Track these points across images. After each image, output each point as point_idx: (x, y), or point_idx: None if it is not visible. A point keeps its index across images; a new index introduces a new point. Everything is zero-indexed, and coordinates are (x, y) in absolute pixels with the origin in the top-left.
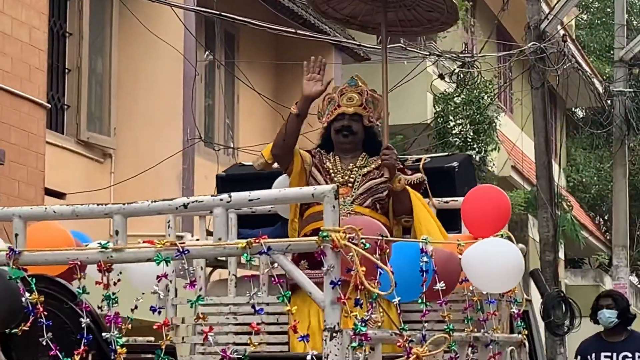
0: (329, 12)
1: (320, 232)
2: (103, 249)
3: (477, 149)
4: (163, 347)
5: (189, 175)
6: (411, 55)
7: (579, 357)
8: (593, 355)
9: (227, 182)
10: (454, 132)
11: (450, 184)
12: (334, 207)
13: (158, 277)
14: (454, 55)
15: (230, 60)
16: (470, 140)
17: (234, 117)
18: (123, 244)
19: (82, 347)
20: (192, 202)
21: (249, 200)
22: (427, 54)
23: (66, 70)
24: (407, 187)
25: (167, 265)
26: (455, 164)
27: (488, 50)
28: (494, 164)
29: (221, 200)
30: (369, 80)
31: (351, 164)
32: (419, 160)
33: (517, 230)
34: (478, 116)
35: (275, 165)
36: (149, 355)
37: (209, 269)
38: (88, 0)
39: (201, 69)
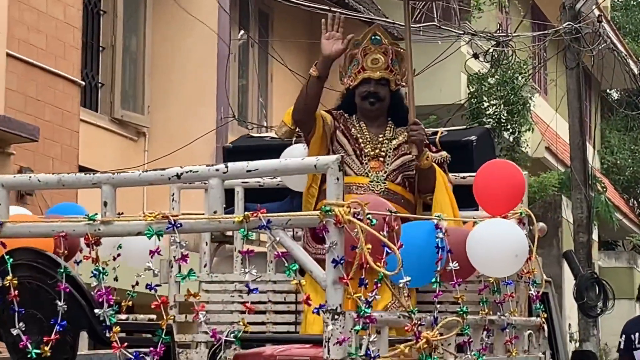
0: None
1: (323, 207)
2: (90, 221)
3: (510, 130)
4: (163, 326)
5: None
6: (445, 34)
7: (623, 336)
8: (637, 334)
9: (234, 154)
10: (487, 112)
11: (467, 159)
12: (337, 179)
13: (151, 252)
14: (488, 35)
15: (264, 39)
16: (504, 120)
17: (267, 96)
18: (112, 216)
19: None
20: (186, 172)
21: (247, 171)
22: (462, 33)
23: (100, 49)
24: (433, 164)
25: (159, 239)
26: (473, 137)
27: (522, 31)
28: (527, 145)
29: (217, 170)
30: None
31: (380, 135)
32: (435, 133)
33: (551, 212)
34: (512, 97)
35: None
36: (149, 335)
37: (215, 245)
38: None
39: (235, 48)
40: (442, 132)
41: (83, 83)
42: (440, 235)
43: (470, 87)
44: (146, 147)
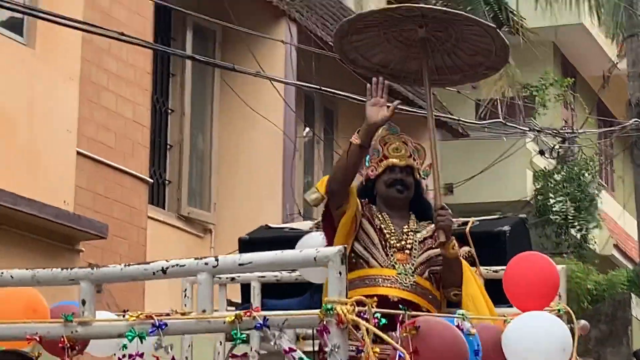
0: (358, 61)
1: (324, 305)
2: (67, 322)
3: (578, 227)
4: None
5: None
6: (510, 131)
7: None
8: None
9: (250, 246)
10: (554, 209)
11: (500, 251)
12: (340, 273)
13: (131, 356)
14: (554, 131)
15: (330, 135)
16: (571, 218)
17: None
18: (90, 316)
19: None
20: (172, 266)
21: (239, 264)
22: (527, 129)
23: (168, 146)
24: (460, 257)
25: (141, 342)
26: (506, 227)
27: (588, 127)
28: (595, 242)
29: (206, 264)
30: (468, 157)
31: (405, 227)
32: (465, 223)
33: (620, 310)
34: (579, 193)
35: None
36: None
37: (229, 344)
38: (190, 77)
39: (300, 145)
40: (473, 222)
41: (151, 180)
42: (469, 329)
43: (536, 184)
44: (212, 244)
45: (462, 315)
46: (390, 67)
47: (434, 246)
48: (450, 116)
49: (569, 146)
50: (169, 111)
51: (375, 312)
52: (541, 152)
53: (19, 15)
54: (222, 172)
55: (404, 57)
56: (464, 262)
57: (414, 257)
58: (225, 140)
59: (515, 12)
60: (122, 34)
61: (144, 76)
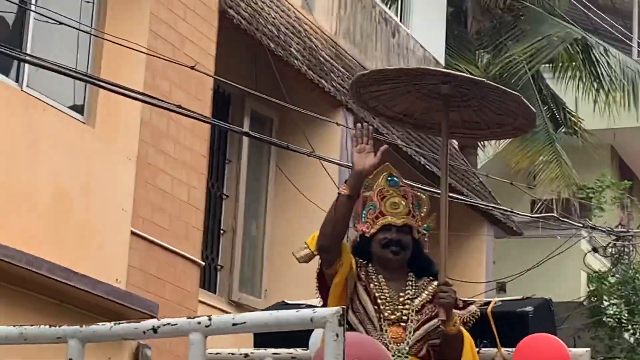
0: (380, 109)
1: None
2: None
3: (631, 331)
4: None
5: None
6: (565, 226)
7: None
8: None
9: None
10: (607, 312)
11: (523, 333)
12: (337, 335)
13: None
14: (609, 229)
15: None
16: (624, 321)
17: None
18: None
19: None
20: (164, 324)
21: (233, 324)
22: (581, 225)
23: (221, 231)
24: (461, 329)
25: None
26: (529, 308)
27: None
28: None
29: (199, 323)
30: (522, 255)
31: (401, 294)
32: (487, 303)
33: None
34: (633, 297)
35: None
36: None
37: None
38: (245, 164)
39: (354, 234)
40: (495, 302)
41: (203, 264)
42: None
43: (590, 286)
44: None
45: None
46: (415, 117)
47: (433, 315)
48: (503, 208)
49: (623, 244)
50: (224, 196)
51: None
52: (594, 249)
53: (80, 95)
54: (274, 259)
55: (428, 108)
56: (466, 334)
57: (410, 332)
58: (278, 227)
59: (573, 113)
60: (180, 107)
61: (200, 160)
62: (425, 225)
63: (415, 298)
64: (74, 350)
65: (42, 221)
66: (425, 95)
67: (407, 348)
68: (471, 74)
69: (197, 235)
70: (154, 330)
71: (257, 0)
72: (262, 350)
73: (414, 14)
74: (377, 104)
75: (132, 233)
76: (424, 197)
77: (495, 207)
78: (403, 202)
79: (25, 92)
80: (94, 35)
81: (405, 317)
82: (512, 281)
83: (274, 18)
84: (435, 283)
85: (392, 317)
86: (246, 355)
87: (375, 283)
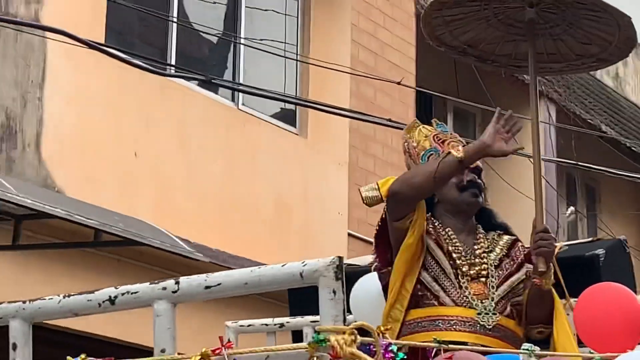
0: (445, 38)
1: (315, 334)
2: None
3: None
4: None
5: None
6: None
7: None
8: None
9: (300, 294)
10: None
11: (593, 279)
12: (334, 292)
13: None
14: None
15: (592, 213)
16: None
17: None
18: None
19: None
20: (122, 293)
21: (206, 287)
22: None
23: None
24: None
25: None
26: (600, 251)
27: None
28: None
29: (164, 289)
30: None
31: (476, 247)
32: None
33: None
34: None
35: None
36: None
37: None
38: None
39: (563, 223)
40: (561, 247)
41: None
42: None
43: None
44: None
45: (529, 350)
46: (480, 47)
47: (513, 270)
48: None
49: None
50: None
51: (392, 344)
52: None
53: (291, 108)
54: None
55: (499, 37)
56: (554, 293)
57: (492, 287)
58: None
59: None
60: (390, 120)
61: None
62: None
63: (491, 251)
64: (18, 333)
65: (266, 229)
66: (501, 23)
67: (493, 304)
68: None
69: None
70: (111, 301)
71: None
72: (299, 319)
73: None
74: (444, 32)
75: (349, 235)
76: None
77: None
78: (462, 145)
79: (241, 110)
80: (301, 62)
81: (484, 272)
82: None
83: None
84: (507, 237)
85: (472, 271)
86: (281, 325)
87: (446, 237)
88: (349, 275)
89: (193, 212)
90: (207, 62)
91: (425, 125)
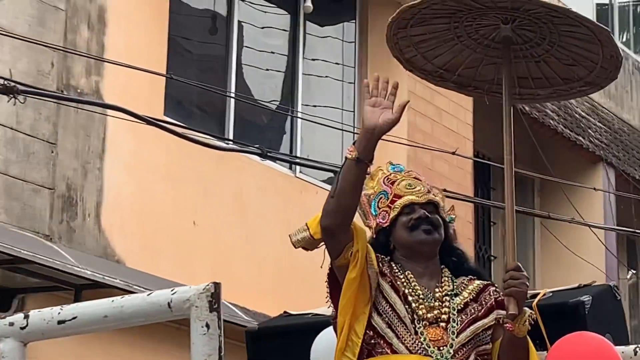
0: (417, 62)
1: None
2: None
3: None
4: None
5: None
6: None
7: None
8: None
9: (258, 340)
10: None
11: (579, 328)
12: (207, 326)
13: None
14: None
15: None
16: None
17: None
18: None
19: None
20: None
21: (59, 322)
22: None
23: None
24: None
25: None
26: (585, 297)
27: None
28: None
29: (11, 324)
30: None
31: (437, 290)
32: (534, 296)
33: None
34: None
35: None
36: None
37: None
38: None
39: (624, 288)
40: (544, 293)
41: None
42: None
43: None
44: None
45: None
46: (458, 72)
47: (480, 315)
48: None
49: None
50: (492, 258)
51: None
52: None
53: None
54: None
55: (477, 60)
56: (529, 341)
57: (452, 333)
58: (547, 284)
59: None
60: (445, 190)
61: (466, 226)
62: (448, 218)
63: (456, 295)
64: None
65: (324, 296)
66: (476, 43)
67: (451, 352)
68: None
69: None
70: None
71: None
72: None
73: None
74: (415, 54)
75: None
76: (437, 188)
77: None
78: (419, 182)
79: (298, 177)
80: (357, 132)
81: (445, 317)
82: None
83: None
84: (479, 282)
85: (429, 315)
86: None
87: (404, 280)
88: (315, 326)
89: (251, 280)
90: (265, 131)
91: (382, 168)
